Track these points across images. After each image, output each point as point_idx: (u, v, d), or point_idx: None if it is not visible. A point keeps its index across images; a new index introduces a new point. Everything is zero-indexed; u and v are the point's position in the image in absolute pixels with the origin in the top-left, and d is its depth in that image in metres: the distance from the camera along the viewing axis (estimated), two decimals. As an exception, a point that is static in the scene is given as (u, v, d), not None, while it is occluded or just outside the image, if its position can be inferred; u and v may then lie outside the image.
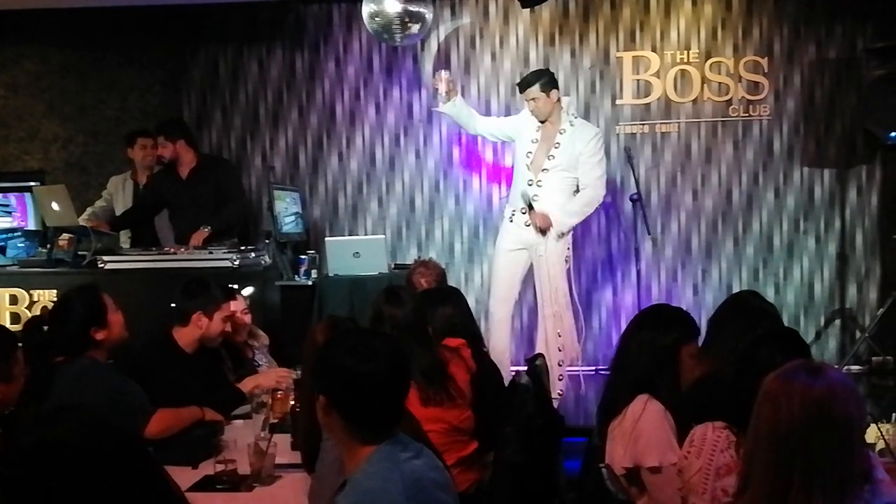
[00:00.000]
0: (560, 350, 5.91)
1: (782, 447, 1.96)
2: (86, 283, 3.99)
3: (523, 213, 5.93)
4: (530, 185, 5.93)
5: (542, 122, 6.01)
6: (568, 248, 6.08)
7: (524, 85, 6.00)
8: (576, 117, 6.11)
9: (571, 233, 6.12)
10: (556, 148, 5.92)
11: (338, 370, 2.29)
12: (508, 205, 6.18)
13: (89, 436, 1.71)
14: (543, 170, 5.92)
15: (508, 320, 6.12)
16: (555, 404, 5.78)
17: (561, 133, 5.95)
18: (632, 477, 3.07)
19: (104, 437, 1.73)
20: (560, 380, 5.88)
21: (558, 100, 5.99)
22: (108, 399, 3.30)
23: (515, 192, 6.08)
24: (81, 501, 1.66)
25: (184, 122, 6.79)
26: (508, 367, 5.78)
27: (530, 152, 6.00)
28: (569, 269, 6.06)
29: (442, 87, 6.12)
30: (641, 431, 3.02)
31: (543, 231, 5.84)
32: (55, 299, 5.44)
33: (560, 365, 5.89)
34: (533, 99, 5.95)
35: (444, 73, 6.20)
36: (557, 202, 5.90)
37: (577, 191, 5.98)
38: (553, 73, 6.13)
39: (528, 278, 6.12)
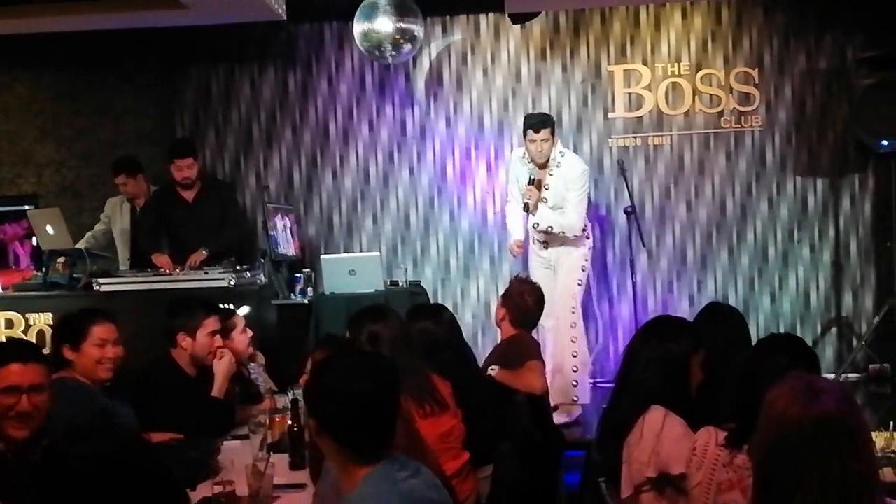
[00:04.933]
0: (574, 356, 5.91)
1: (792, 465, 1.93)
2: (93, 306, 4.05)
3: (535, 228, 6.03)
4: (536, 228, 6.04)
5: (541, 163, 6.01)
6: (585, 261, 6.12)
7: (539, 124, 5.93)
8: (563, 155, 6.06)
9: (590, 251, 6.18)
10: (546, 190, 5.99)
11: (323, 393, 2.29)
12: (513, 236, 6.25)
13: (126, 451, 1.82)
14: (537, 208, 6.00)
15: (558, 329, 5.97)
16: (571, 409, 5.86)
17: (550, 175, 6.00)
18: (659, 482, 3.03)
19: (138, 453, 1.85)
20: (575, 385, 5.88)
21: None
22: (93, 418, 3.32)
23: (515, 225, 6.21)
24: None
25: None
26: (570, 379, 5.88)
27: (525, 193, 5.99)
28: (581, 282, 6.09)
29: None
30: (663, 445, 2.99)
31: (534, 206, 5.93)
32: (51, 323, 5.44)
33: (575, 371, 5.89)
34: (545, 140, 5.92)
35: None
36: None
37: None
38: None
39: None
